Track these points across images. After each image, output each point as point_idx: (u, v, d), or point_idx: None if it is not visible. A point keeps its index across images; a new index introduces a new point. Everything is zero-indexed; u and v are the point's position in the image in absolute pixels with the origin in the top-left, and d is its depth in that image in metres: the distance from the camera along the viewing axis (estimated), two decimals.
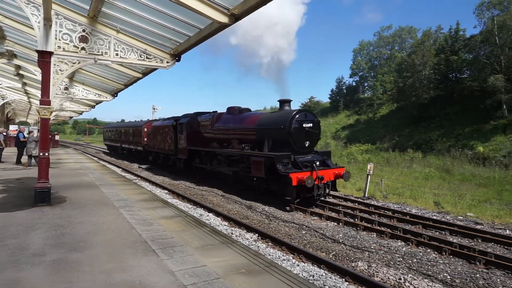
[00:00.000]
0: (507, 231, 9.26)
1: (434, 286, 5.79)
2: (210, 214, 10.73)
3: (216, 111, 17.83)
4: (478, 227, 9.62)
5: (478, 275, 6.28)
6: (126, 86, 15.38)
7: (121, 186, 11.69)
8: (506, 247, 7.92)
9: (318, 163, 12.12)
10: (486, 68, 29.68)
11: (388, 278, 6.14)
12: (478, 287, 5.89)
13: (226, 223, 9.85)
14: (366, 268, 6.60)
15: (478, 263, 6.90)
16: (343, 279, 6.00)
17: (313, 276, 6.02)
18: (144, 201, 9.05)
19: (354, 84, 59.20)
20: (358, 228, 9.31)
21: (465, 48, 35.04)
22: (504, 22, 27.04)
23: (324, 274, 6.14)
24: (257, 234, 8.70)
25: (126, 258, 4.79)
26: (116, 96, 17.63)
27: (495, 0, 29.62)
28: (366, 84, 57.75)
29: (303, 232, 9.12)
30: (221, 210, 11.48)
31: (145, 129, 26.25)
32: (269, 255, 7.06)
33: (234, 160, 14.73)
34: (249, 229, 9.20)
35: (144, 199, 9.42)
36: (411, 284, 5.87)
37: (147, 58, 9.30)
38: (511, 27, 26.66)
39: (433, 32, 43.40)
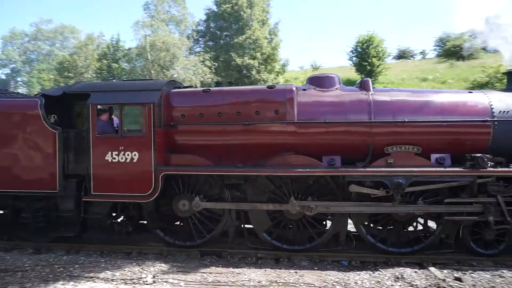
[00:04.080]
0: None
1: (96, 286, 5.87)
2: None
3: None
4: None
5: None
6: None
7: None
8: None
9: None
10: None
11: None
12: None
13: None
14: None
15: None
16: None
17: None
18: None
19: (4, 77, 50.12)
20: (8, 248, 7.92)
21: (125, 58, 38.18)
22: (154, 42, 31.72)
23: None
24: None
25: None
26: None
27: (148, 22, 34.19)
28: (20, 79, 50.47)
29: None
30: None
31: None
32: None
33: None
34: None
35: None
36: None
37: None
38: (158, 48, 31.65)
39: (96, 38, 44.21)
